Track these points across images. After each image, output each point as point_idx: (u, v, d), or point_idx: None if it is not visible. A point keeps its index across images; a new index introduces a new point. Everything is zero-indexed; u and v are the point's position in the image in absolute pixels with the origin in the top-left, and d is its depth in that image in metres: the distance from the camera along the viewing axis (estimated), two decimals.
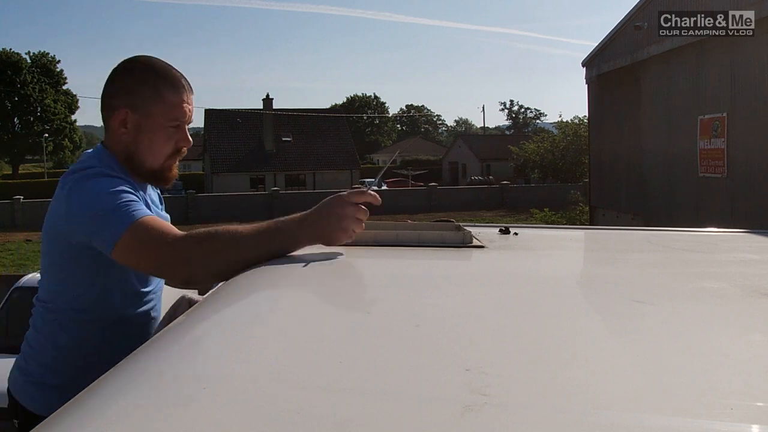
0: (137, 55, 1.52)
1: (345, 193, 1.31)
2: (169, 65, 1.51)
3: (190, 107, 1.50)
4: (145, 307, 1.54)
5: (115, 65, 1.51)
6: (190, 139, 1.53)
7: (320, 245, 1.31)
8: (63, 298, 1.46)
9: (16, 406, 1.50)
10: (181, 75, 1.50)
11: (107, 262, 1.37)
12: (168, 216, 1.64)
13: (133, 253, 1.29)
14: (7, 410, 1.53)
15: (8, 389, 1.53)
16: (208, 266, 1.25)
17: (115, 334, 1.47)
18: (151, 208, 1.51)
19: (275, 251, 1.25)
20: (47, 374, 1.47)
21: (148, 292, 1.55)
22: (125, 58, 1.51)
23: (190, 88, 1.51)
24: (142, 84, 1.45)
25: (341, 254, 1.34)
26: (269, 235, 1.25)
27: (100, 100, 1.50)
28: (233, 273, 1.18)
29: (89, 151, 1.53)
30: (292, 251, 1.27)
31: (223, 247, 1.24)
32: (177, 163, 1.56)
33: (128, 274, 1.46)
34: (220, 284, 1.25)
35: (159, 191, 1.69)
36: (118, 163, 1.48)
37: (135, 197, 1.36)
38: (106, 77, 1.50)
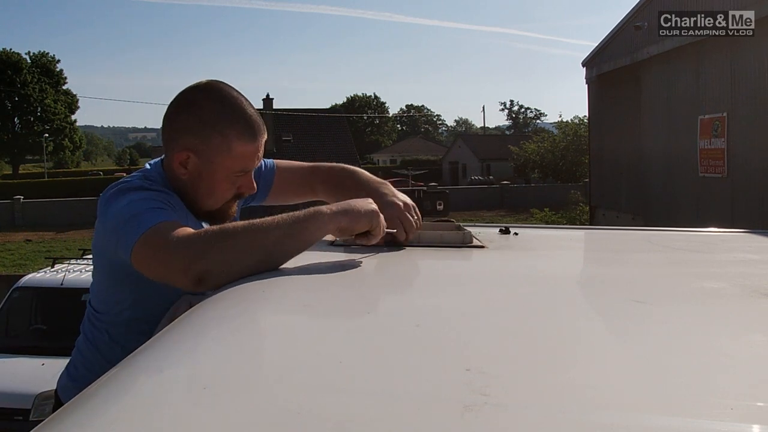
0: (211, 81, 1.37)
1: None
2: (245, 102, 1.35)
3: (260, 153, 1.37)
4: None
5: (186, 88, 1.36)
6: (255, 185, 1.41)
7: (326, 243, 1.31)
8: (112, 312, 1.42)
9: (58, 405, 1.49)
10: (257, 117, 1.36)
11: (142, 280, 1.26)
12: None
13: (144, 262, 1.20)
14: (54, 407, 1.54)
15: (56, 391, 1.54)
16: (228, 259, 1.12)
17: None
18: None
19: (305, 236, 1.17)
20: (92, 378, 1.46)
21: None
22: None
23: (264, 130, 1.36)
24: (210, 129, 1.30)
25: (341, 254, 1.34)
26: (297, 220, 1.17)
27: (163, 123, 1.38)
28: (260, 263, 1.11)
29: (150, 162, 1.45)
30: (321, 236, 1.21)
31: (242, 237, 1.13)
32: (234, 205, 1.45)
33: (165, 294, 1.34)
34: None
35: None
36: (167, 182, 1.40)
37: (163, 204, 1.26)
38: (176, 98, 1.35)
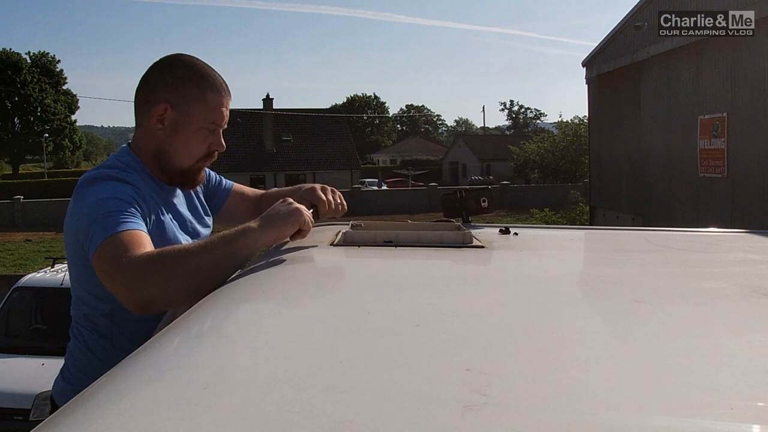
0: (179, 53, 1.49)
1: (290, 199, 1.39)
2: (211, 67, 1.48)
3: (227, 112, 1.48)
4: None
5: (155, 61, 1.47)
6: (224, 143, 1.50)
7: (307, 244, 1.32)
8: (93, 306, 1.43)
9: (54, 409, 1.49)
10: (223, 79, 1.48)
11: None
12: (209, 222, 1.61)
13: (100, 268, 1.24)
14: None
15: (51, 396, 1.54)
16: (167, 286, 1.18)
17: (148, 336, 1.46)
18: (165, 215, 1.46)
19: (239, 254, 1.24)
20: (86, 380, 1.46)
21: None
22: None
23: (230, 93, 1.49)
24: (185, 81, 1.42)
25: (341, 254, 1.34)
26: (224, 239, 1.24)
27: (136, 92, 1.45)
28: (199, 289, 1.14)
29: (111, 155, 1.50)
30: (254, 251, 1.28)
31: (178, 263, 1.19)
32: (205, 167, 1.54)
33: None
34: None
35: (197, 194, 1.63)
36: (139, 162, 1.46)
37: (131, 206, 1.30)
38: (149, 69, 1.46)
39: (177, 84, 1.42)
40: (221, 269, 1.21)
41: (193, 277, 1.18)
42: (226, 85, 1.48)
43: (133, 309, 1.20)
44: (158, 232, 1.40)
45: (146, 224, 1.34)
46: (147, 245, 1.25)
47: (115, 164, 1.43)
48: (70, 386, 1.47)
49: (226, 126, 1.49)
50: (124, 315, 1.38)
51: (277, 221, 1.29)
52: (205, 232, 1.60)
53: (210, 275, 1.19)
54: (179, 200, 1.54)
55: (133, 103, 1.49)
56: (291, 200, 1.36)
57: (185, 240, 1.47)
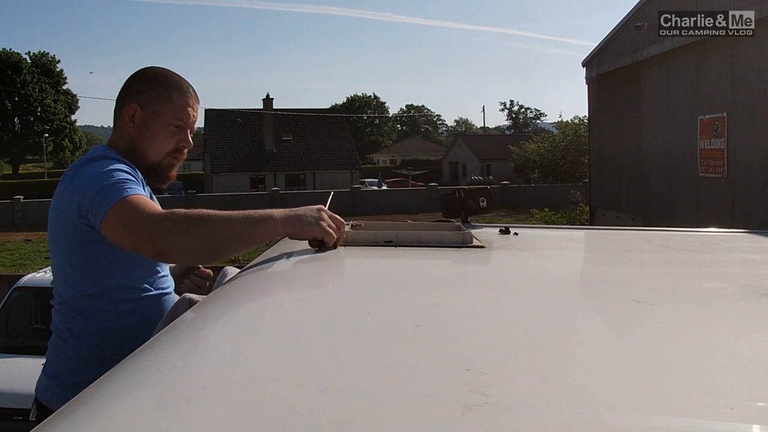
0: (157, 66, 1.66)
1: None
2: (181, 76, 1.64)
3: (194, 113, 1.61)
4: (157, 293, 1.55)
5: (135, 72, 1.64)
6: (191, 141, 1.62)
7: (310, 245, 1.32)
8: (73, 290, 1.48)
9: (38, 406, 1.52)
10: (190, 85, 1.63)
11: (110, 247, 1.41)
12: None
13: (114, 230, 1.35)
14: (37, 412, 1.55)
15: (36, 399, 1.55)
16: (187, 242, 1.30)
17: (128, 325, 1.48)
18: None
19: (255, 236, 1.33)
20: (72, 369, 1.49)
21: (161, 277, 1.58)
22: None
23: (197, 98, 1.63)
24: (153, 85, 1.58)
25: (341, 254, 1.34)
26: (247, 218, 1.33)
27: (116, 101, 1.62)
28: (213, 251, 1.30)
29: (92, 148, 1.61)
30: (269, 239, 1.37)
31: (201, 229, 1.30)
32: (177, 165, 1.65)
33: (135, 261, 1.49)
34: (219, 285, 1.25)
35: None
36: (120, 157, 1.54)
37: (132, 177, 1.43)
38: (125, 82, 1.63)
39: (145, 87, 1.58)
40: (236, 243, 1.33)
41: (210, 240, 1.31)
42: (194, 90, 1.63)
43: (150, 255, 1.33)
44: None
45: None
46: (158, 207, 1.38)
47: (99, 151, 1.54)
48: (55, 380, 1.50)
49: (194, 128, 1.62)
50: (109, 294, 1.47)
51: (299, 222, 1.33)
52: None
53: (225, 245, 1.32)
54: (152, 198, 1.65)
55: None
56: (322, 208, 1.38)
57: None
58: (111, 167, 1.42)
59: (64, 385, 1.47)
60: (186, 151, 1.63)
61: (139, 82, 1.60)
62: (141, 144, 1.57)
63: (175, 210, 1.34)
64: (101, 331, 1.48)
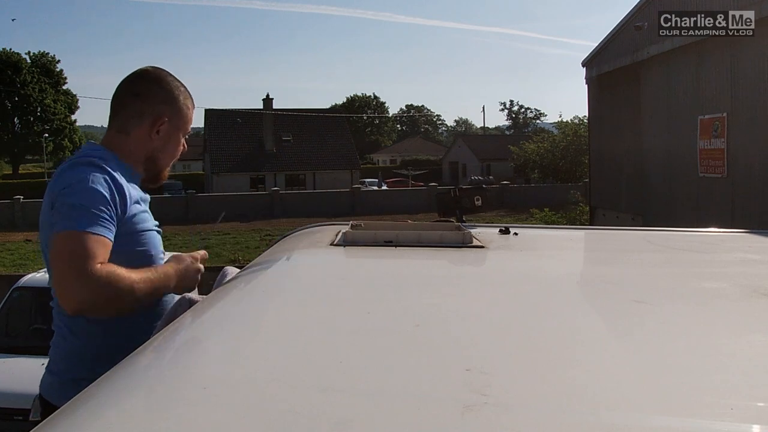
0: (153, 66, 1.66)
1: (183, 255, 1.62)
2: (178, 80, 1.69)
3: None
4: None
5: (143, 73, 1.63)
6: (186, 145, 1.71)
7: (311, 249, 1.31)
8: None
9: (42, 403, 1.54)
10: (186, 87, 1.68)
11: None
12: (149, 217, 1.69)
13: (54, 254, 1.35)
14: (41, 409, 1.58)
15: (40, 395, 1.57)
16: (100, 308, 1.36)
17: (127, 324, 1.49)
18: (141, 205, 1.57)
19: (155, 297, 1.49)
20: (71, 366, 1.51)
21: None
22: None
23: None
24: (175, 98, 1.62)
25: (341, 255, 1.34)
26: (157, 289, 1.46)
27: (123, 101, 1.59)
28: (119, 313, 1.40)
29: (84, 146, 1.61)
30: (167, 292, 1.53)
31: (120, 298, 1.36)
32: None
33: (131, 259, 1.49)
34: (219, 285, 1.25)
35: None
36: (119, 160, 1.55)
37: (108, 204, 1.42)
38: (132, 81, 1.61)
39: (170, 99, 1.61)
40: (141, 302, 1.44)
41: (122, 309, 1.41)
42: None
43: (66, 308, 1.34)
44: (135, 221, 1.51)
45: (120, 217, 1.45)
46: (105, 256, 1.37)
47: (93, 154, 1.53)
48: (57, 377, 1.53)
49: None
50: None
51: (186, 282, 1.55)
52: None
53: (134, 305, 1.42)
54: (146, 197, 1.67)
55: None
56: (186, 259, 1.58)
57: (155, 231, 1.61)
58: (93, 184, 1.41)
59: (65, 381, 1.49)
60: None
61: (161, 92, 1.60)
62: (162, 156, 1.63)
63: (112, 279, 1.34)
64: (99, 329, 1.49)
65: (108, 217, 1.41)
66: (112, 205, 1.43)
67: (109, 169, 1.47)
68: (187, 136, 1.70)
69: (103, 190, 1.42)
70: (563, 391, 0.62)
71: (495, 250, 1.44)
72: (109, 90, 1.63)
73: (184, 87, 1.67)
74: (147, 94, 1.59)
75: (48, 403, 1.51)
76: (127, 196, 1.48)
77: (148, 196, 1.67)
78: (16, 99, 51.59)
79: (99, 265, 1.33)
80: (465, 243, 1.42)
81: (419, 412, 0.56)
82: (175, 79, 1.66)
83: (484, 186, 1.89)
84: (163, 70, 1.67)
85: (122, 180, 1.49)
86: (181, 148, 1.68)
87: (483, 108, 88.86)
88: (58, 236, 1.35)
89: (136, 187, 1.59)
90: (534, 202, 25.70)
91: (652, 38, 12.98)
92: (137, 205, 1.54)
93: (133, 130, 1.59)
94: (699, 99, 12.28)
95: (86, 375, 1.39)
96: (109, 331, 1.49)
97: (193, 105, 1.68)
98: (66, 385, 1.49)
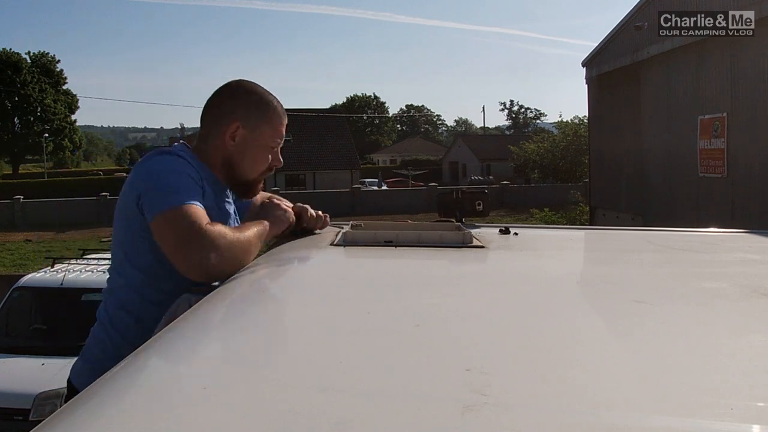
0: (239, 79, 1.73)
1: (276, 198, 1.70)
2: (272, 95, 1.72)
3: (284, 132, 1.72)
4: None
5: (227, 84, 1.70)
6: (282, 160, 1.72)
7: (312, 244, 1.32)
8: (124, 275, 1.54)
9: (69, 388, 1.59)
10: (280, 103, 1.71)
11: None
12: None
13: (162, 231, 1.40)
14: (67, 393, 1.63)
15: (69, 379, 1.61)
16: (219, 269, 1.36)
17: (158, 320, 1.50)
18: (215, 208, 1.60)
19: (259, 247, 1.49)
20: (105, 359, 1.51)
21: None
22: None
23: (286, 115, 1.72)
24: (257, 106, 1.64)
25: (341, 254, 1.34)
26: (262, 237, 1.50)
27: (206, 111, 1.66)
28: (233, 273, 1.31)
29: (176, 145, 1.67)
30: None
31: (237, 255, 1.39)
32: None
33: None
34: (219, 285, 1.25)
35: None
36: (200, 162, 1.61)
37: (194, 183, 1.49)
38: (217, 92, 1.68)
39: (250, 107, 1.64)
40: (251, 256, 1.44)
41: (240, 264, 1.38)
42: (283, 108, 1.71)
43: (190, 266, 1.37)
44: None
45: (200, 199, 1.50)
46: (209, 221, 1.43)
47: (174, 150, 1.60)
48: (89, 365, 1.56)
49: (282, 144, 1.72)
50: (150, 290, 1.52)
51: (279, 224, 1.58)
52: None
53: (248, 260, 1.41)
54: (228, 202, 1.71)
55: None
56: (282, 202, 1.61)
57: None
58: (179, 169, 1.48)
59: (96, 369, 1.50)
60: (275, 168, 1.72)
61: (240, 101, 1.64)
62: (239, 161, 1.64)
63: (223, 232, 1.40)
64: (138, 320, 1.52)
65: (197, 194, 1.48)
66: (198, 185, 1.51)
67: (188, 160, 1.55)
68: (276, 148, 1.69)
69: (189, 171, 1.50)
70: (563, 391, 0.62)
71: (495, 250, 1.44)
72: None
73: (271, 98, 1.68)
74: (226, 104, 1.65)
75: (74, 388, 1.55)
76: (202, 187, 1.53)
77: (226, 200, 1.69)
78: (16, 99, 51.60)
79: (209, 224, 1.40)
80: (465, 243, 1.42)
81: (419, 412, 0.56)
82: (264, 93, 1.69)
83: (486, 191, 1.90)
84: (248, 81, 1.71)
85: (197, 174, 1.54)
86: (270, 159, 1.68)
87: (483, 108, 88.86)
88: (164, 215, 1.40)
89: (218, 188, 1.64)
90: (534, 202, 25.70)
91: (652, 38, 12.98)
92: (212, 207, 1.56)
93: (210, 136, 1.65)
94: (699, 99, 12.28)
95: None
96: (149, 323, 1.50)
97: (280, 117, 1.68)
98: (97, 373, 1.49)
